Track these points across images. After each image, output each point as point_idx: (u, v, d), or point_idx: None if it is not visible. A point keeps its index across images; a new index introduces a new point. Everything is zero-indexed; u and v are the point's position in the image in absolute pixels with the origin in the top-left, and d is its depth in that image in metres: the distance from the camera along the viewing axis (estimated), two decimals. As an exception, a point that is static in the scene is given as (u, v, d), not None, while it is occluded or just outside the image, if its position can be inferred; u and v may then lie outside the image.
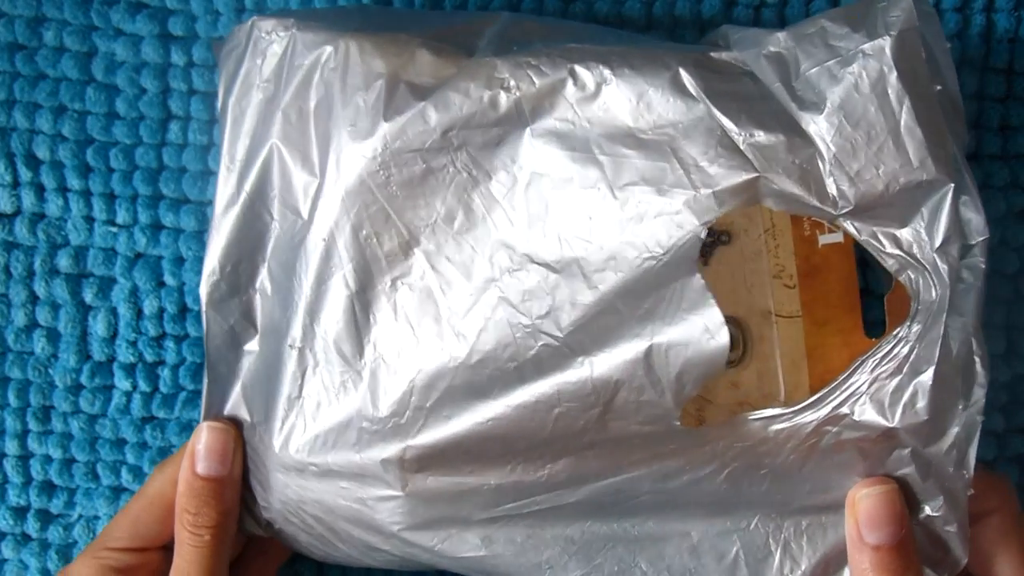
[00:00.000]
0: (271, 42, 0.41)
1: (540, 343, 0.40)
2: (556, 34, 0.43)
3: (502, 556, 0.43)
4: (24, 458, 0.51)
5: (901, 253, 0.39)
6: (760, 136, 0.38)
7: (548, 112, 0.40)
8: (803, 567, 0.42)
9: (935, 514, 0.40)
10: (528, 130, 0.40)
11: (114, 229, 0.50)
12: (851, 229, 0.39)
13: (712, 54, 0.41)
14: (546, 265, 0.40)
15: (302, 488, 0.42)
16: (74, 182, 0.50)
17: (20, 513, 0.51)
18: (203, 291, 0.44)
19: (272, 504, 0.44)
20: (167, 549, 0.44)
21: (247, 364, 0.44)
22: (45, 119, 0.50)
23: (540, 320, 0.40)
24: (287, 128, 0.41)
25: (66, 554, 0.51)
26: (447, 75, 0.40)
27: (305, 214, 0.41)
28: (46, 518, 0.51)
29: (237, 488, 0.44)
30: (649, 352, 0.39)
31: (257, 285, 0.43)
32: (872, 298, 0.47)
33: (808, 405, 0.40)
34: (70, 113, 0.50)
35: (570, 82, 0.39)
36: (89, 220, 0.51)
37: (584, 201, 0.39)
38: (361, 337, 0.41)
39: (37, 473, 0.51)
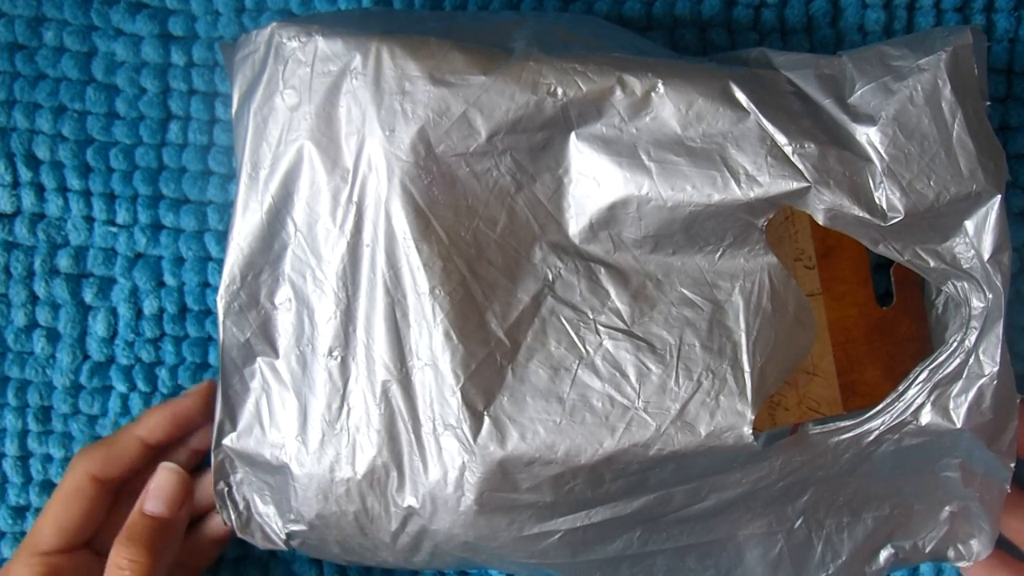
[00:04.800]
0: (294, 49, 0.41)
1: (604, 337, 0.40)
2: (589, 39, 0.43)
3: (555, 563, 0.43)
4: (24, 458, 0.51)
5: (945, 266, 0.40)
6: (810, 147, 0.39)
7: (595, 118, 0.40)
8: (844, 556, 0.44)
9: (971, 510, 0.43)
10: (573, 134, 0.41)
11: (114, 229, 0.50)
12: (892, 252, 0.40)
13: (757, 71, 0.42)
14: (600, 262, 0.41)
15: (347, 502, 0.42)
16: (74, 182, 0.50)
17: (20, 513, 0.51)
18: (221, 301, 0.43)
19: (305, 517, 0.43)
20: (97, 551, 0.45)
21: (263, 379, 0.43)
22: (45, 119, 0.50)
23: (600, 314, 0.41)
24: (316, 135, 0.41)
25: (66, 554, 0.51)
26: (485, 74, 0.40)
27: (337, 221, 0.41)
28: (46, 518, 0.51)
29: (178, 531, 0.45)
30: (735, 345, 0.40)
31: (277, 300, 0.43)
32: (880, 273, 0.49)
33: (871, 416, 0.41)
34: (70, 113, 0.50)
35: (618, 89, 0.40)
36: (89, 220, 0.51)
37: (633, 203, 0.40)
38: (402, 344, 0.41)
39: (37, 473, 0.51)
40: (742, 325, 0.41)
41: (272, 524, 0.45)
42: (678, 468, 0.40)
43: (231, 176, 0.50)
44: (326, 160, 0.41)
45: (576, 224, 0.41)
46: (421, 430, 0.41)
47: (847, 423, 0.41)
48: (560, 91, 0.40)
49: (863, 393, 0.46)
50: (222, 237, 0.50)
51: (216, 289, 0.45)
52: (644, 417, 0.40)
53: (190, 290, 0.50)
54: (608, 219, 0.41)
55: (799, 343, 0.41)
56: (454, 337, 0.40)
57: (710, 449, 0.40)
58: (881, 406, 0.41)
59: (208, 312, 0.50)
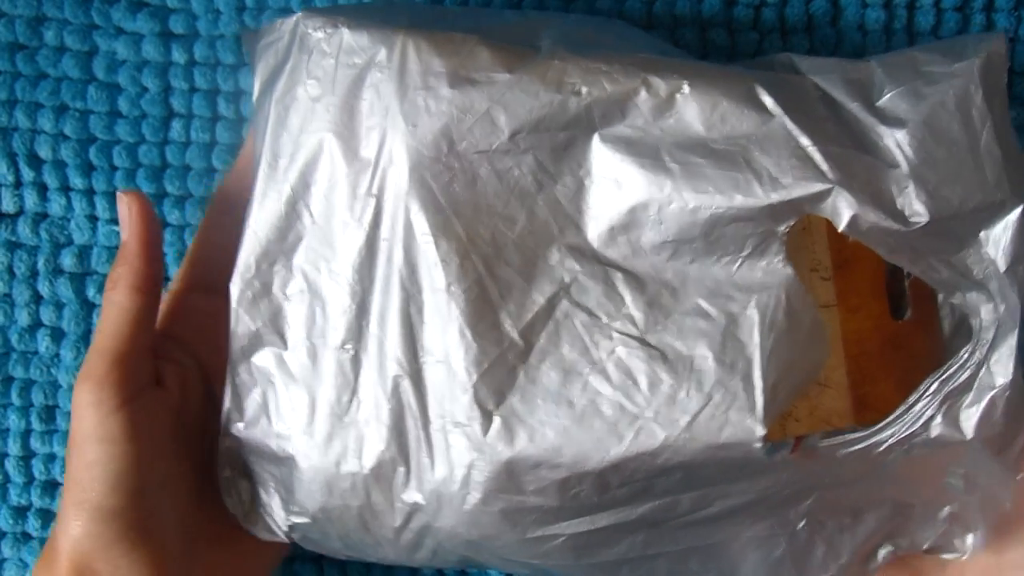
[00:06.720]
0: (319, 40, 0.40)
1: (618, 343, 0.40)
2: (616, 41, 0.43)
3: (557, 564, 0.43)
4: (26, 458, 0.51)
5: (957, 277, 0.40)
6: (834, 150, 0.39)
7: (619, 119, 0.40)
8: (844, 557, 0.44)
9: (971, 508, 0.43)
10: (596, 135, 0.40)
11: (117, 227, 0.50)
12: (905, 262, 0.40)
13: (783, 75, 0.41)
14: (617, 267, 0.41)
15: (352, 496, 0.42)
16: (77, 181, 0.50)
17: (21, 513, 0.51)
18: (234, 288, 0.42)
19: (309, 510, 0.43)
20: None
21: (272, 369, 0.43)
22: (47, 118, 0.50)
23: (614, 320, 0.40)
24: (337, 127, 0.40)
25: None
26: (511, 72, 0.39)
27: (355, 213, 0.41)
28: (47, 517, 0.51)
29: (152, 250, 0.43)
30: (748, 360, 0.40)
31: (289, 291, 0.42)
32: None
33: (880, 428, 0.41)
34: (72, 112, 0.50)
35: (643, 90, 0.40)
36: (92, 219, 0.50)
37: (654, 206, 0.40)
38: (415, 339, 0.41)
39: (39, 472, 0.51)
40: (756, 340, 0.40)
41: (275, 516, 0.44)
42: (685, 477, 0.40)
43: (234, 175, 0.50)
44: (347, 153, 0.40)
45: (595, 227, 0.41)
46: (430, 427, 0.41)
47: (857, 436, 0.41)
48: (585, 90, 0.39)
49: (875, 407, 0.45)
50: (225, 236, 0.50)
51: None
52: (653, 427, 0.39)
53: (194, 288, 0.50)
54: (628, 223, 0.40)
55: (813, 359, 0.40)
56: (468, 335, 0.40)
57: (718, 461, 0.40)
58: (891, 418, 0.41)
59: (211, 310, 0.50)
